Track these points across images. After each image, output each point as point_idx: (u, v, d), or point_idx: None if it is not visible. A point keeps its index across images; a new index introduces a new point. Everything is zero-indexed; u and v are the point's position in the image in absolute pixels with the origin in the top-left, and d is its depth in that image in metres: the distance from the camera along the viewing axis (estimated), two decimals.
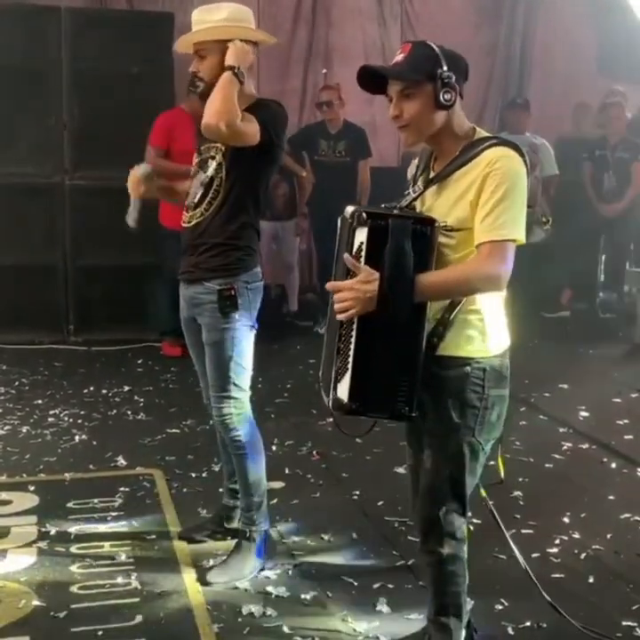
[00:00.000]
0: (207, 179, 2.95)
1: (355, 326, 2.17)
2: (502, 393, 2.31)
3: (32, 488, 3.67)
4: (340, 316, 2.16)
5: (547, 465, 4.09)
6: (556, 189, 7.40)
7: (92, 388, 5.21)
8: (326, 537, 3.29)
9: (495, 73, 8.95)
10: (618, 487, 3.84)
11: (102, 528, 3.31)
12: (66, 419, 4.63)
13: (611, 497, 3.73)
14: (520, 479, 3.88)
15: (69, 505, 3.50)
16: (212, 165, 2.94)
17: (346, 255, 2.16)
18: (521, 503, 3.64)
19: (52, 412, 4.72)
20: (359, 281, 2.09)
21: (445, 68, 2.15)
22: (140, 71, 6.10)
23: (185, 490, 3.70)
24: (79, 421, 4.59)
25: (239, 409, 2.99)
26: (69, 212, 6.31)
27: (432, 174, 2.31)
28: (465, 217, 2.17)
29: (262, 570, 3.01)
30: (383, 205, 2.38)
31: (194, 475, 3.85)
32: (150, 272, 6.15)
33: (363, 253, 2.14)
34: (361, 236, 2.15)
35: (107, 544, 3.18)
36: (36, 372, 5.57)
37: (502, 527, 2.56)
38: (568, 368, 5.80)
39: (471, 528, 2.65)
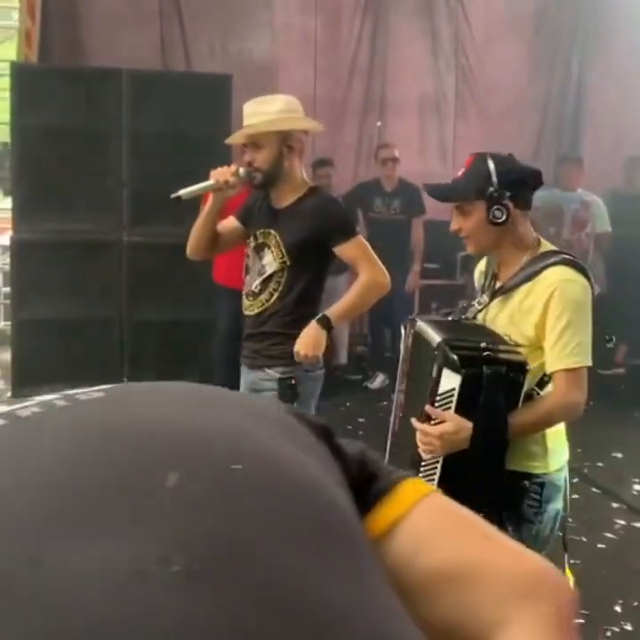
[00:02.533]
0: (265, 269, 3.00)
1: (440, 464, 2.16)
2: (558, 506, 2.31)
3: None
4: (424, 455, 2.15)
5: (599, 545, 4.04)
6: (609, 245, 7.35)
7: None
8: None
9: (547, 126, 8.95)
10: None
11: None
12: None
13: None
14: (571, 561, 3.83)
15: None
16: (270, 257, 2.99)
17: (429, 407, 2.13)
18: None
19: None
20: (449, 432, 2.08)
21: (496, 185, 2.18)
22: (199, 132, 6.22)
23: None
24: None
25: None
26: (126, 267, 6.44)
27: (498, 284, 2.35)
28: (529, 336, 2.20)
29: None
30: (452, 319, 2.40)
31: None
32: (205, 328, 6.24)
33: (454, 400, 2.10)
34: (452, 382, 2.10)
35: None
36: None
37: None
38: (622, 434, 5.73)
39: None
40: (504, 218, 2.21)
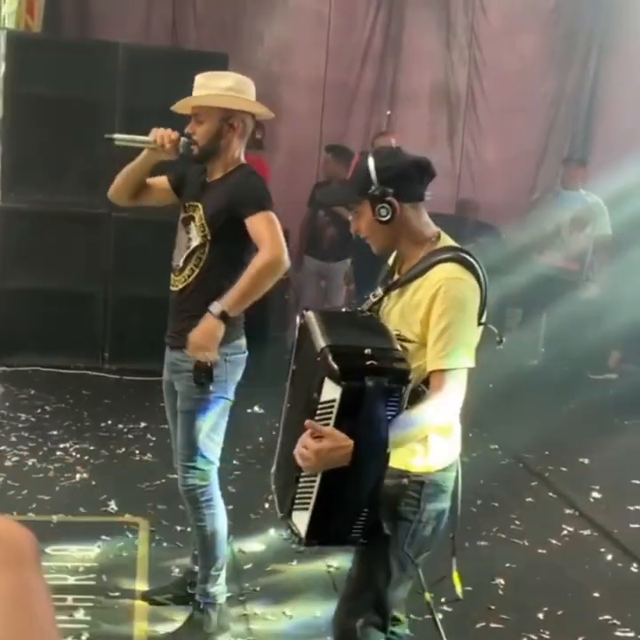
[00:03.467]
0: (191, 244, 2.97)
1: (319, 475, 2.06)
2: (440, 507, 2.26)
3: None
4: (301, 464, 2.04)
5: (540, 550, 3.98)
6: (607, 249, 7.22)
7: (109, 422, 5.30)
8: (288, 612, 3.26)
9: (558, 123, 8.79)
10: (607, 583, 3.72)
11: (71, 580, 3.36)
12: (73, 454, 4.72)
13: (595, 594, 3.60)
14: (507, 565, 3.79)
15: (48, 550, 3.54)
16: (195, 230, 2.95)
17: (309, 421, 2.03)
18: (500, 592, 3.55)
19: (61, 446, 4.82)
20: (326, 448, 1.97)
21: (376, 183, 2.13)
22: None
23: (165, 544, 3.73)
24: (85, 457, 4.67)
25: (203, 480, 2.99)
26: (113, 242, 6.45)
27: (396, 277, 2.31)
28: (416, 332, 2.16)
29: None
30: (345, 310, 2.34)
31: (179, 528, 3.86)
32: None
33: (334, 411, 2.00)
34: (333, 392, 2.00)
35: (70, 597, 3.22)
36: (61, 400, 5.69)
37: (444, 637, 2.50)
38: (596, 440, 5.62)
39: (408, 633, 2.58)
40: (389, 216, 2.16)
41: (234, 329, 2.98)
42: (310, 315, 2.23)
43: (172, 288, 3.03)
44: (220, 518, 3.03)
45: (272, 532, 3.89)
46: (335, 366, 1.98)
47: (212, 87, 3.00)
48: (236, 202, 2.87)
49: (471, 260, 2.17)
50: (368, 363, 1.99)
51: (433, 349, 2.09)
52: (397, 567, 2.23)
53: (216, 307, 2.77)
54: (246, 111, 3.05)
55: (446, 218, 8.32)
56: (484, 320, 2.20)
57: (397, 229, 2.21)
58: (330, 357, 2.00)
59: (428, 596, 2.47)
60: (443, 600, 3.07)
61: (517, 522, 4.23)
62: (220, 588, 3.06)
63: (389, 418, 2.00)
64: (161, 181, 3.14)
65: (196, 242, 2.94)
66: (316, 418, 2.04)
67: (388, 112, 8.84)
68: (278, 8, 8.51)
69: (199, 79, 3.04)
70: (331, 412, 2.01)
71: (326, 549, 3.78)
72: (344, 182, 2.27)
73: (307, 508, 2.09)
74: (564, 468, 5.08)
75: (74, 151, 6.27)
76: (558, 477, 4.93)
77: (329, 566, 3.66)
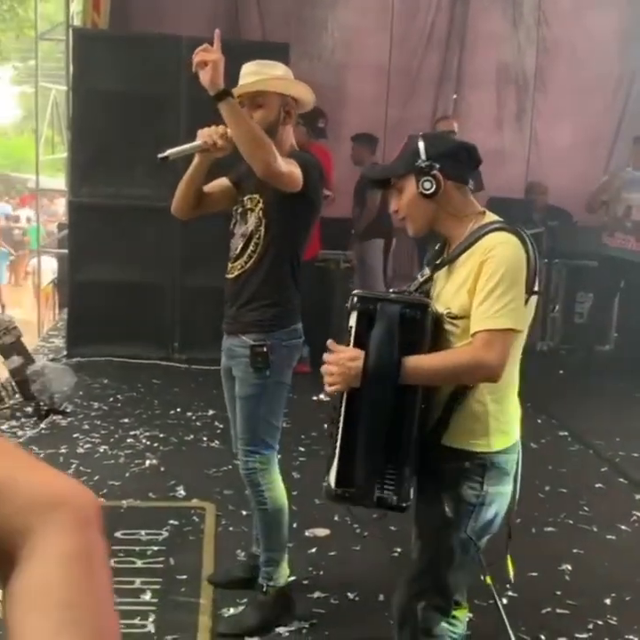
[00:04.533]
0: (247, 231, 3.00)
1: (343, 408, 2.19)
2: (503, 490, 2.24)
3: None
4: (327, 389, 2.19)
5: (608, 536, 3.91)
6: None
7: (178, 410, 5.40)
8: (352, 596, 3.28)
9: (631, 103, 8.56)
10: None
11: (139, 563, 3.44)
12: (144, 441, 4.83)
13: None
14: (575, 550, 3.73)
15: (117, 535, 3.64)
16: (252, 218, 2.98)
17: (330, 340, 2.20)
18: (567, 578, 3.50)
19: (132, 433, 4.93)
20: (344, 358, 2.13)
21: (423, 157, 2.13)
22: None
23: (231, 528, 3.79)
24: (155, 445, 4.78)
25: (264, 464, 3.03)
26: (180, 234, 6.54)
27: (443, 257, 2.30)
28: (465, 305, 2.14)
29: (278, 625, 3.04)
30: (393, 290, 2.38)
31: (245, 513, 3.91)
32: None
33: (352, 336, 2.18)
34: (351, 319, 2.19)
35: (138, 580, 3.29)
36: (133, 388, 5.82)
37: (506, 621, 2.49)
38: None
39: (472, 617, 2.57)
40: (434, 188, 2.15)
41: (289, 314, 3.02)
42: (354, 292, 2.28)
43: (228, 276, 3.07)
44: (280, 501, 3.07)
45: (336, 517, 3.91)
46: (355, 298, 2.19)
47: (266, 74, 3.01)
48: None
49: (521, 231, 2.15)
50: (388, 297, 2.20)
51: (477, 311, 2.07)
52: (460, 550, 2.22)
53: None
54: (297, 98, 3.06)
55: (515, 201, 8.22)
56: (536, 289, 2.16)
57: (440, 206, 2.20)
58: (354, 294, 2.21)
59: (488, 579, 2.46)
60: (508, 586, 3.04)
61: (586, 508, 4.16)
62: (282, 572, 3.09)
63: (408, 348, 2.09)
64: (221, 182, 3.14)
65: (252, 229, 2.97)
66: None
67: (455, 96, 8.76)
68: None
69: (250, 67, 3.04)
70: (350, 339, 2.18)
71: (391, 535, 3.80)
72: (391, 162, 2.28)
73: (335, 455, 2.19)
74: (635, 454, 4.97)
75: (141, 144, 6.36)
76: (629, 463, 4.83)
77: (393, 551, 3.66)
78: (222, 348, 3.15)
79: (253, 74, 3.01)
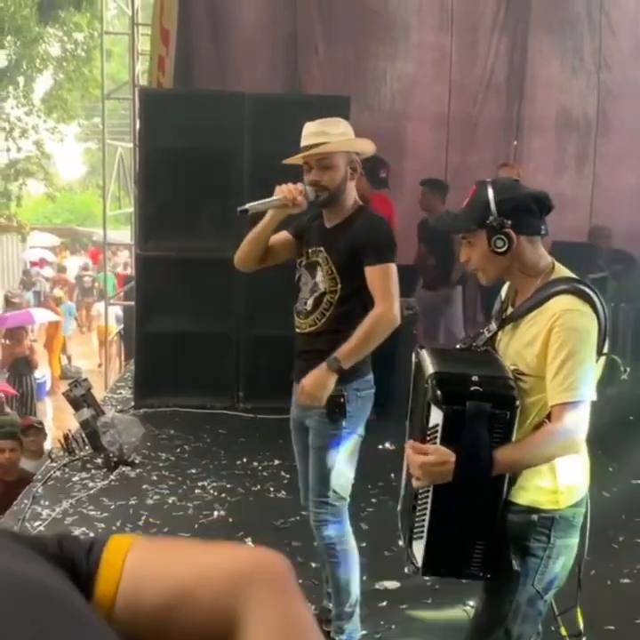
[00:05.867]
0: (318, 287, 3.02)
1: (430, 496, 2.15)
2: (570, 542, 2.21)
3: None
4: (414, 483, 2.16)
5: None
6: None
7: (245, 460, 5.42)
8: None
9: None
10: None
11: None
12: (211, 491, 4.85)
13: None
14: None
15: None
16: (321, 275, 3.02)
17: (410, 441, 2.20)
18: None
19: (200, 484, 4.96)
20: (429, 463, 2.08)
21: (495, 214, 2.12)
22: None
23: (301, 581, 3.71)
24: (223, 495, 4.79)
25: (336, 517, 3.03)
26: (244, 284, 6.62)
27: (511, 310, 2.29)
28: (532, 365, 2.14)
29: None
30: (460, 346, 2.36)
31: (314, 565, 3.89)
32: None
33: (438, 435, 2.11)
34: (436, 416, 2.11)
35: None
36: (199, 439, 5.86)
37: None
38: None
39: None
40: (506, 247, 2.15)
41: (364, 364, 3.04)
42: (423, 352, 2.27)
43: (300, 330, 3.10)
44: (352, 554, 3.05)
45: (406, 569, 3.85)
46: (438, 391, 2.08)
47: (332, 134, 3.04)
48: (360, 247, 2.95)
49: (588, 290, 2.13)
50: (472, 388, 2.07)
51: (552, 383, 2.07)
52: (526, 603, 2.19)
53: (332, 358, 2.83)
54: (361, 154, 3.10)
55: (579, 245, 8.15)
56: (605, 351, 2.15)
57: (511, 261, 2.20)
58: (434, 383, 2.10)
59: (563, 630, 2.42)
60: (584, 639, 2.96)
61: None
62: (355, 626, 3.06)
63: (496, 442, 2.04)
64: (282, 235, 3.20)
65: (324, 286, 3.00)
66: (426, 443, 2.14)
67: (515, 142, 8.77)
68: (400, 46, 8.62)
69: (313, 127, 3.05)
70: (436, 436, 2.10)
71: (462, 587, 3.73)
72: (460, 211, 2.27)
73: (422, 537, 2.15)
74: None
75: (204, 199, 6.51)
76: None
77: (465, 605, 3.59)
78: (293, 399, 3.16)
79: (317, 134, 3.03)
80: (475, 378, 2.06)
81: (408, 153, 8.53)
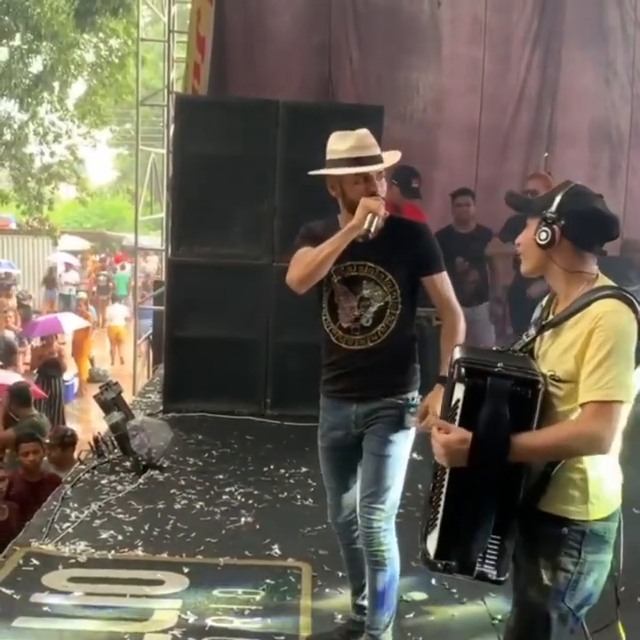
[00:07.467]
0: (372, 303, 2.99)
1: (446, 482, 2.17)
2: (603, 559, 2.19)
3: (186, 570, 3.88)
4: (436, 458, 2.19)
5: None
6: None
7: (272, 467, 5.43)
8: None
9: None
10: None
11: (237, 622, 3.44)
12: (239, 497, 4.86)
13: None
14: None
15: (215, 592, 3.66)
16: (371, 289, 2.98)
17: (436, 418, 2.27)
18: None
19: (227, 490, 4.97)
20: (452, 440, 2.11)
21: (554, 208, 2.13)
22: None
23: (327, 590, 3.76)
24: (250, 502, 4.80)
25: (388, 524, 3.03)
26: (274, 291, 6.64)
27: (551, 317, 2.29)
28: (570, 370, 2.13)
29: None
30: (496, 348, 2.37)
31: (341, 574, 3.88)
32: None
33: (458, 411, 2.14)
34: (458, 392, 2.15)
35: None
36: (226, 445, 5.88)
37: None
38: None
39: None
40: (546, 242, 2.16)
41: (417, 374, 3.11)
42: (457, 348, 2.28)
43: (353, 346, 3.01)
44: (396, 563, 3.06)
45: (433, 580, 3.85)
46: (462, 369, 2.13)
47: (375, 145, 3.02)
48: (422, 258, 2.98)
49: (631, 297, 2.12)
50: (495, 369, 2.12)
51: (587, 381, 2.05)
52: (557, 620, 2.17)
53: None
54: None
55: (611, 259, 8.08)
56: None
57: (551, 258, 2.19)
58: (459, 364, 2.15)
59: None
60: None
61: None
62: (387, 637, 3.06)
63: (516, 427, 2.05)
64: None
65: (383, 300, 2.98)
66: (448, 421, 2.18)
67: (546, 154, 8.73)
68: (433, 57, 8.63)
69: (363, 140, 2.99)
70: (456, 414, 2.14)
71: (490, 601, 3.72)
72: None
73: (436, 526, 2.17)
74: None
75: (237, 205, 6.53)
76: None
77: (493, 618, 3.58)
78: (340, 416, 3.11)
79: (372, 146, 2.98)
80: (500, 364, 2.12)
81: (439, 164, 8.53)
